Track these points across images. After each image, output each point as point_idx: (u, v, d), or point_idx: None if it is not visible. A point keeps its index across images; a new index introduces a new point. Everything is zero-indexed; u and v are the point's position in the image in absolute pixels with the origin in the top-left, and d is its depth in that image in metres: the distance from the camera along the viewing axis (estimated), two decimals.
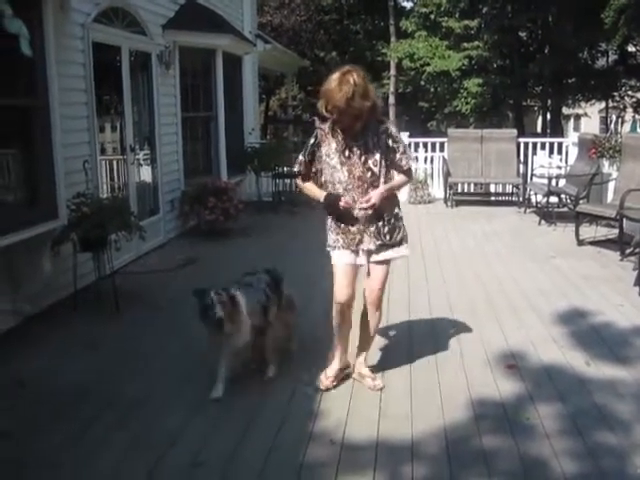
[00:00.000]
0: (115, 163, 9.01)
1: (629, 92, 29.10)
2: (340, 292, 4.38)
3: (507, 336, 5.51)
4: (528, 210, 11.81)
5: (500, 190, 13.65)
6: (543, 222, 10.66)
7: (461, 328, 5.72)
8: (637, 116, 30.57)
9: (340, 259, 4.39)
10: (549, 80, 25.64)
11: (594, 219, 9.41)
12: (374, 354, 4.96)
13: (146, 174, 9.20)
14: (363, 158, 4.28)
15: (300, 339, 5.21)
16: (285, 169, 12.96)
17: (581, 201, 9.89)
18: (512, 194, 13.20)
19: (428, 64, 24.76)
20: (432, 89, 26.05)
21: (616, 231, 8.67)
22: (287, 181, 13.26)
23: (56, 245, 6.18)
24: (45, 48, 6.05)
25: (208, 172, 10.97)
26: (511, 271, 7.68)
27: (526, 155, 13.21)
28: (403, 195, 12.92)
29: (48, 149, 6.20)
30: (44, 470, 3.61)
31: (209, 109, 10.92)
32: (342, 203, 4.24)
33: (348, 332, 4.60)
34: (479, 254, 8.61)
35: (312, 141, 4.40)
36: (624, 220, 8.17)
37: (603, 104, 31.55)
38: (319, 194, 4.41)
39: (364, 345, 4.71)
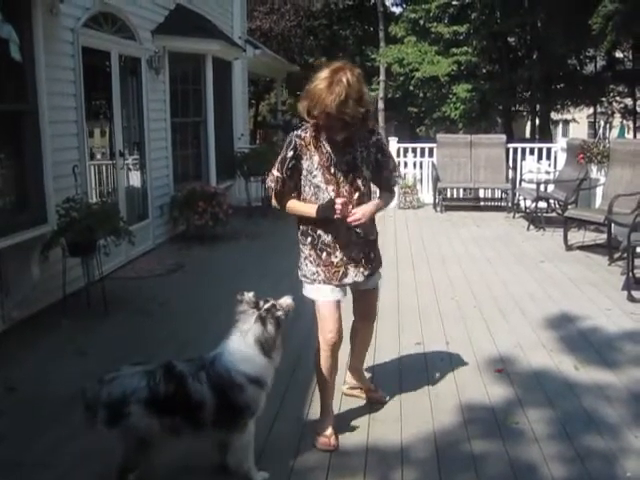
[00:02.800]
0: (104, 168, 9.02)
1: (617, 98, 29.28)
2: (330, 332, 3.75)
3: (496, 341, 5.52)
4: (517, 215, 11.86)
5: (489, 195, 13.69)
6: (532, 227, 10.70)
7: (450, 332, 5.74)
8: (625, 121, 30.73)
9: (323, 295, 3.77)
10: (538, 85, 25.76)
11: (582, 224, 9.46)
12: None
13: (135, 179, 9.18)
14: (351, 176, 3.67)
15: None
16: None
17: (569, 206, 9.94)
18: (501, 199, 13.26)
19: (417, 69, 24.85)
20: (421, 94, 26.13)
21: (604, 236, 8.71)
22: None
23: (45, 250, 6.16)
24: (35, 53, 6.03)
25: (197, 177, 10.96)
26: (500, 276, 7.71)
27: (515, 160, 13.26)
28: (393, 201, 12.94)
29: (37, 154, 6.18)
30: (38, 471, 3.60)
31: (198, 114, 10.91)
32: (338, 206, 3.53)
33: (336, 375, 3.98)
34: (468, 259, 8.63)
35: (290, 153, 3.63)
36: (612, 225, 8.21)
37: (591, 110, 31.70)
38: (308, 209, 3.67)
39: (361, 358, 4.40)
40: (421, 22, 25.45)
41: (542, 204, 11.12)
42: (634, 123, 28.92)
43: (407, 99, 27.88)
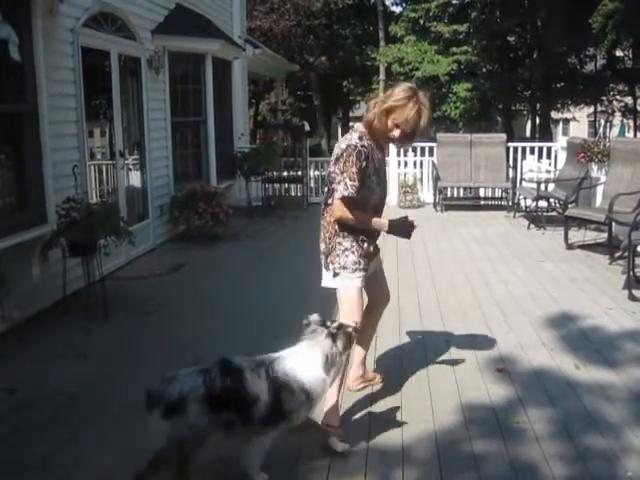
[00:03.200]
0: (104, 168, 9.00)
1: (617, 96, 29.32)
2: (359, 315, 4.02)
3: (497, 340, 5.52)
4: (517, 214, 11.85)
5: (489, 194, 13.68)
6: (532, 226, 10.69)
7: (451, 332, 5.73)
8: (625, 120, 30.73)
9: (358, 283, 4.01)
10: (538, 84, 25.79)
11: (583, 223, 9.45)
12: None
13: (135, 179, 9.17)
14: (385, 181, 4.14)
15: None
16: (275, 174, 12.97)
17: (570, 205, 9.93)
18: (501, 198, 13.25)
19: (417, 69, 24.85)
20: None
21: (605, 235, 8.71)
22: (277, 186, 13.26)
23: (45, 250, 6.16)
24: (34, 53, 6.03)
25: (198, 177, 10.95)
26: (500, 275, 7.70)
27: (515, 159, 13.26)
28: (393, 199, 12.97)
29: (37, 154, 6.18)
30: (37, 473, 3.60)
31: (198, 114, 10.91)
32: (413, 228, 4.05)
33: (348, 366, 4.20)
34: (469, 258, 8.63)
35: (364, 163, 3.84)
36: (613, 224, 8.20)
37: (592, 108, 31.70)
38: (379, 224, 3.98)
39: (369, 344, 4.68)
40: (421, 21, 25.45)
41: (542, 203, 11.12)
42: (634, 122, 28.95)
43: None
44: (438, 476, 3.51)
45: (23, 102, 6.06)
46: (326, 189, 4.07)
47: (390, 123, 3.83)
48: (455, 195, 13.90)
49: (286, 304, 6.59)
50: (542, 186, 11.10)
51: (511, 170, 12.99)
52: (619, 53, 26.86)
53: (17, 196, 6.31)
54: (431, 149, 13.61)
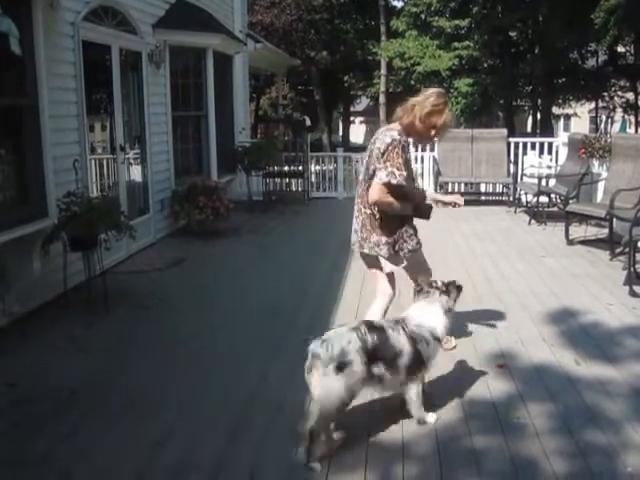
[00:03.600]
0: (105, 162, 8.98)
1: (618, 92, 29.31)
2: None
3: (497, 335, 5.52)
4: (518, 210, 11.84)
5: (490, 190, 13.68)
6: (533, 222, 10.68)
7: (451, 327, 5.71)
8: (626, 116, 30.71)
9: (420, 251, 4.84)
10: (539, 80, 25.76)
11: (584, 219, 9.44)
12: None
13: (136, 173, 9.16)
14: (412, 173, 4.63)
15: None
16: (276, 168, 12.95)
17: (571, 201, 9.91)
18: (502, 194, 13.24)
19: (418, 64, 24.83)
20: (422, 89, 26.10)
21: (606, 231, 8.70)
22: (278, 180, 13.25)
23: (46, 244, 6.15)
24: (35, 46, 6.01)
25: (198, 171, 10.94)
26: (501, 270, 7.69)
27: (516, 155, 13.23)
28: None
29: (38, 148, 6.17)
30: (38, 468, 3.60)
31: (199, 108, 10.89)
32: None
33: None
34: (469, 253, 8.62)
35: (408, 156, 4.45)
36: (614, 220, 8.19)
37: (593, 104, 31.68)
38: (407, 209, 4.59)
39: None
40: (422, 16, 25.43)
41: (543, 199, 11.10)
42: (636, 117, 28.94)
43: (408, 93, 27.85)
44: (438, 471, 3.52)
45: (24, 96, 6.05)
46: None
47: (429, 125, 4.38)
48: (456, 190, 13.86)
49: (286, 299, 6.60)
50: (543, 181, 11.07)
51: (512, 165, 12.97)
52: (621, 49, 26.85)
53: (18, 190, 6.30)
54: (432, 144, 13.58)
